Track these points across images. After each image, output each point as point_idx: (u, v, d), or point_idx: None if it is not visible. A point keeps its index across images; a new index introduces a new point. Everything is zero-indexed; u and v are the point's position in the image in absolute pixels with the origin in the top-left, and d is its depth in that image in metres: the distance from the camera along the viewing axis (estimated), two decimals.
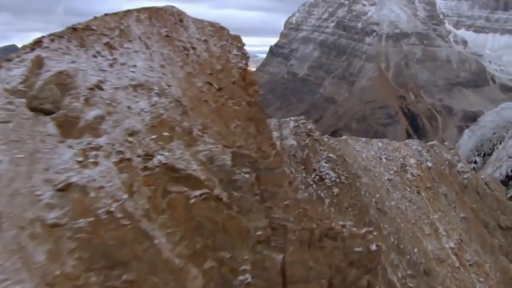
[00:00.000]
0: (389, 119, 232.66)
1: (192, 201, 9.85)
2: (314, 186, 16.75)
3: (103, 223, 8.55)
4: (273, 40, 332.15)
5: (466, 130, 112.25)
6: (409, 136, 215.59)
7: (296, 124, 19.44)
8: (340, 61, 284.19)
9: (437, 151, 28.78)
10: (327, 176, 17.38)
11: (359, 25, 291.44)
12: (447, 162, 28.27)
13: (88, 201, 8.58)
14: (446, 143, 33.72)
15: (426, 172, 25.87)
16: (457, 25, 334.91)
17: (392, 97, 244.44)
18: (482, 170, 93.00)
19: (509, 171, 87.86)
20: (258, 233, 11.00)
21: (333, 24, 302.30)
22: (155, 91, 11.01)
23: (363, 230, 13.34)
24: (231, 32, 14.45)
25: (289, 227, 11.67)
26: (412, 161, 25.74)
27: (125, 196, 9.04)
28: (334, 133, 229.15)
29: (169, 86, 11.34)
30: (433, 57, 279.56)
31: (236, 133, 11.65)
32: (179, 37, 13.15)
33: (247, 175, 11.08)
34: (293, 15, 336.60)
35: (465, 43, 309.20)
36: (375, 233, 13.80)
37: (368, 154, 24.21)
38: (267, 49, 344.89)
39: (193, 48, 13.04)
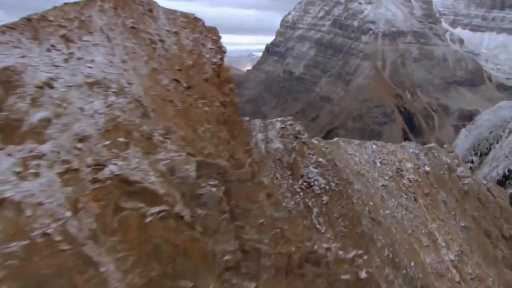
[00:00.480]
0: (385, 118, 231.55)
1: (148, 219, 8.17)
2: (301, 193, 15.08)
3: (38, 247, 6.94)
4: (269, 39, 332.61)
5: (463, 129, 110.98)
6: (405, 135, 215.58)
7: (283, 126, 17.70)
8: (336, 59, 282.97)
9: (436, 154, 26.80)
10: (316, 183, 15.70)
11: (355, 23, 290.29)
12: (446, 166, 26.29)
13: (23, 221, 6.98)
14: (445, 145, 31.68)
15: (424, 177, 24.07)
16: (453, 24, 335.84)
17: (388, 96, 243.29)
18: (479, 169, 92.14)
19: (506, 170, 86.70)
20: (226, 257, 9.16)
21: (329, 22, 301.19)
22: (113, 90, 9.40)
23: (351, 254, 11.37)
24: (221, 30, 12.82)
25: (263, 250, 9.87)
26: (409, 165, 23.89)
27: (68, 214, 7.43)
28: (330, 132, 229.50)
29: (129, 84, 9.71)
30: (430, 55, 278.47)
31: (204, 138, 9.90)
32: (146, 29, 11.46)
33: (214, 189, 9.26)
34: (289, 13, 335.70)
35: (461, 41, 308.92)
36: (365, 257, 11.79)
37: (361, 158, 22.42)
38: (263, 47, 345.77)
39: (162, 41, 11.33)
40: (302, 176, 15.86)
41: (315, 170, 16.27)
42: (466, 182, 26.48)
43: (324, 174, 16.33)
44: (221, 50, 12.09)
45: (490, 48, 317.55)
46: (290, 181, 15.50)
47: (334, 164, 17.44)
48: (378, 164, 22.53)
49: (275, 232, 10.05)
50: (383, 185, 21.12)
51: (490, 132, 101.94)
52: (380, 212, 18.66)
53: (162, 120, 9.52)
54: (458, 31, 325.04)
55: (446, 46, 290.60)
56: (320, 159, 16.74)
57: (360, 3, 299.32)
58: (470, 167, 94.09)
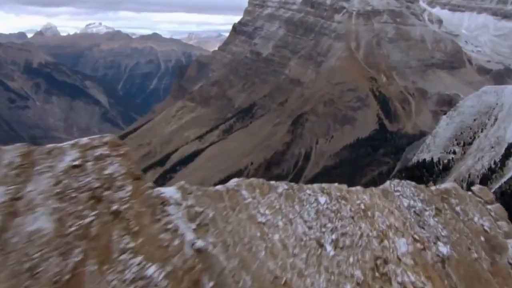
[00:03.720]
0: (359, 103, 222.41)
1: None
2: None
3: None
4: (238, 18, 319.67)
5: (444, 116, 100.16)
6: (380, 121, 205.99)
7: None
8: (307, 39, 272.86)
9: (458, 208, 9.90)
10: None
11: (328, 1, 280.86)
12: (483, 239, 9.79)
13: None
14: (476, 187, 11.81)
15: (435, 268, 8.20)
16: (431, 3, 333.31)
17: (362, 79, 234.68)
18: (462, 161, 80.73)
19: (492, 162, 76.48)
20: None
21: (300, 0, 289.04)
22: None
23: None
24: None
25: None
26: (403, 247, 7.86)
27: None
28: (300, 118, 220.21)
29: None
30: (406, 36, 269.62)
31: None
32: None
33: None
34: None
35: (440, 22, 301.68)
36: None
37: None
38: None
39: None
40: None
41: None
42: None
43: None
44: None
45: (470, 29, 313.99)
46: None
47: None
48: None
49: None
50: None
51: (474, 120, 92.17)
52: None
53: None
54: (437, 11, 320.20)
55: (424, 26, 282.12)
56: None
57: None
58: (452, 159, 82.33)
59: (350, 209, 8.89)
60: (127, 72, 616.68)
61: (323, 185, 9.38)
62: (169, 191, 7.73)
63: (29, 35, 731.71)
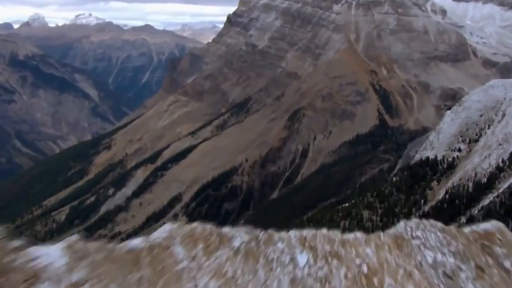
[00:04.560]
0: (359, 97, 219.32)
1: None
2: None
3: None
4: (234, 9, 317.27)
5: (448, 112, 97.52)
6: (380, 116, 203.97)
7: None
8: (305, 31, 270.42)
9: (508, 264, 6.60)
10: None
11: None
12: None
13: None
14: None
15: None
16: None
17: (362, 72, 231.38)
18: (467, 159, 78.79)
19: (500, 161, 74.14)
20: None
21: None
22: None
23: None
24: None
25: None
26: None
27: None
28: (297, 113, 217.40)
29: None
30: (409, 27, 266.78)
31: None
32: None
33: None
34: None
35: (443, 12, 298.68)
36: None
37: None
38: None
39: None
40: None
41: None
42: None
43: None
44: None
45: (475, 20, 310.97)
46: None
47: None
48: None
49: None
50: None
51: (481, 115, 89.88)
52: None
53: None
54: (440, 1, 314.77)
55: (427, 17, 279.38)
56: None
57: None
58: (457, 157, 79.95)
59: (346, 275, 5.89)
60: (118, 65, 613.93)
61: (305, 233, 6.34)
62: (49, 254, 4.74)
63: (15, 26, 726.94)
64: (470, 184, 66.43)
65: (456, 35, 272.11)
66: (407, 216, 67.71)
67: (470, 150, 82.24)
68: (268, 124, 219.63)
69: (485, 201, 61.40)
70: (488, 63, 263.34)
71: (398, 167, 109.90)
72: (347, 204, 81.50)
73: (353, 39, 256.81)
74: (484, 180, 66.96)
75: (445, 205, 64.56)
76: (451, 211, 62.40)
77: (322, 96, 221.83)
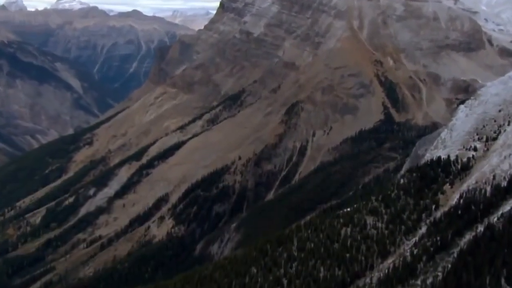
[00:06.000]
0: (362, 89, 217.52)
1: None
2: None
3: None
4: None
5: (462, 106, 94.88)
6: (386, 110, 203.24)
7: None
8: (304, 18, 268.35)
9: None
10: None
11: None
12: None
13: None
14: None
15: None
16: None
17: (366, 63, 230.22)
18: (484, 160, 76.13)
19: None
20: None
21: None
22: None
23: None
24: None
25: None
26: None
27: None
28: (295, 106, 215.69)
29: None
30: (417, 13, 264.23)
31: None
32: None
33: None
34: None
35: None
36: None
37: None
38: None
39: None
40: None
41: None
42: None
43: None
44: None
45: (491, 5, 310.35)
46: None
47: None
48: None
49: None
50: None
51: (499, 111, 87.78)
52: None
53: None
54: None
55: (438, 2, 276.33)
56: None
57: None
58: (473, 157, 76.13)
59: None
60: (104, 53, 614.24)
61: None
62: None
63: None
64: (488, 188, 63.11)
65: (469, 22, 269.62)
66: (416, 223, 64.61)
67: (487, 150, 79.25)
68: (264, 118, 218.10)
69: (505, 207, 58.32)
70: (504, 52, 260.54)
71: (405, 167, 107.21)
72: (348, 209, 78.18)
73: (356, 26, 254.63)
74: (504, 183, 63.84)
75: (459, 212, 61.25)
76: (467, 218, 59.28)
77: (322, 88, 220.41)
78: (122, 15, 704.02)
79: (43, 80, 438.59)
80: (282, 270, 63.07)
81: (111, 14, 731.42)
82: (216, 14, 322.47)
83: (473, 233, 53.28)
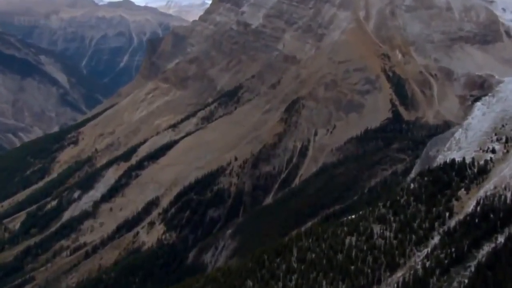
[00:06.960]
0: (368, 85, 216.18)
1: None
2: None
3: None
4: None
5: (478, 104, 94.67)
6: (394, 108, 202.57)
7: None
8: (306, 8, 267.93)
9: None
10: None
11: None
12: None
13: None
14: None
15: None
16: None
17: (373, 56, 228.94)
18: (503, 163, 76.38)
19: None
20: None
21: None
22: None
23: None
24: None
25: None
26: None
27: None
28: (295, 103, 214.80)
29: None
30: (428, 3, 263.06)
31: None
32: None
33: None
34: None
35: None
36: None
37: None
38: None
39: None
40: None
41: None
42: None
43: None
44: None
45: None
46: None
47: None
48: None
49: None
50: None
51: None
52: None
53: None
54: None
55: None
56: None
57: None
58: (491, 159, 75.69)
59: None
60: (92, 46, 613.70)
61: None
62: None
63: None
64: (508, 194, 62.38)
65: (485, 12, 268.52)
66: (428, 232, 62.87)
67: (507, 152, 79.40)
68: (262, 116, 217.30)
69: None
70: None
71: (415, 170, 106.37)
72: (353, 216, 77.18)
73: (362, 17, 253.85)
74: None
75: (476, 220, 60.35)
76: (485, 227, 58.39)
77: (325, 84, 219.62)
78: (112, 5, 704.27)
79: (26, 74, 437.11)
80: (281, 284, 62.35)
81: (101, 4, 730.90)
82: (212, 4, 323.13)
83: (492, 244, 52.39)
